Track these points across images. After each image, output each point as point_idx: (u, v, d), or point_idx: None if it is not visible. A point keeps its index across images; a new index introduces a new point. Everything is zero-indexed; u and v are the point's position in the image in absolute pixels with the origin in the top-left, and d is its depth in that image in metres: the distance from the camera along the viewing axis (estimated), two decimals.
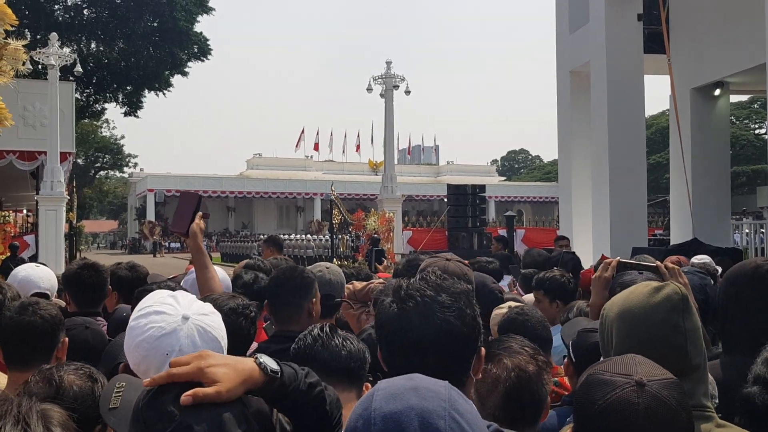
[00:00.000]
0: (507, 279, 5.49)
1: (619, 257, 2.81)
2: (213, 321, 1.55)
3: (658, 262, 2.68)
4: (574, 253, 5.82)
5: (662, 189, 29.41)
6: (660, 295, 1.72)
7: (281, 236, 15.97)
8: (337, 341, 1.91)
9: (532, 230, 25.20)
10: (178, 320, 1.49)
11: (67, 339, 2.39)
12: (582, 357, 2.24)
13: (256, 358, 1.36)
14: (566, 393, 2.67)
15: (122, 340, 2.03)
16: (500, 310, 3.04)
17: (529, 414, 1.95)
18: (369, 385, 1.96)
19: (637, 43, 11.14)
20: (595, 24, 11.58)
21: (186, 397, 1.21)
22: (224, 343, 1.57)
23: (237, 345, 1.96)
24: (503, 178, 73.54)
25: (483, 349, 1.48)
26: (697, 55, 12.19)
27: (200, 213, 2.59)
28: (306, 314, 2.66)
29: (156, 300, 1.55)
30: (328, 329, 1.96)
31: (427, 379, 1.07)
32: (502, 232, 20.22)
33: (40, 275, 3.20)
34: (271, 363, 1.35)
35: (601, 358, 1.75)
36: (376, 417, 0.97)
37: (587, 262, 8.13)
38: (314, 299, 2.72)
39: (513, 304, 3.14)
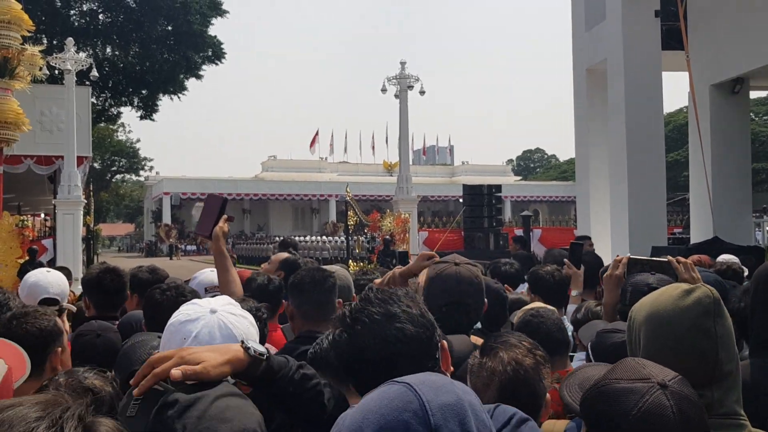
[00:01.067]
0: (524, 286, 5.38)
1: (629, 254, 2.75)
2: (238, 321, 1.59)
3: (670, 257, 2.63)
4: (593, 252, 5.73)
5: (681, 187, 29.14)
6: (690, 299, 1.65)
7: (296, 238, 15.93)
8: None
9: (548, 230, 25.03)
10: (205, 312, 1.57)
11: (60, 349, 2.29)
12: (602, 358, 2.21)
13: (243, 342, 1.41)
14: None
15: (136, 347, 2.00)
16: (519, 313, 2.99)
17: (527, 410, 1.89)
18: None
19: (654, 40, 11.01)
20: (612, 21, 11.47)
21: (176, 371, 1.26)
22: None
23: None
24: (519, 178, 73.23)
25: (444, 342, 1.44)
26: (716, 51, 12.03)
27: (225, 216, 2.58)
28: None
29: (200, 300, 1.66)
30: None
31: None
32: (519, 232, 20.13)
33: (49, 280, 3.18)
34: (257, 346, 1.42)
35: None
36: (433, 407, 0.92)
37: (606, 263, 8.02)
38: (339, 300, 2.77)
39: (539, 304, 3.07)
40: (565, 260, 4.01)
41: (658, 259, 2.68)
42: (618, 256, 2.88)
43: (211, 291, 3.16)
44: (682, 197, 19.21)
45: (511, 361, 1.90)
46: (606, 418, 1.30)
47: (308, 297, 2.66)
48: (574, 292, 3.85)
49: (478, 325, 2.99)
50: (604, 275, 2.77)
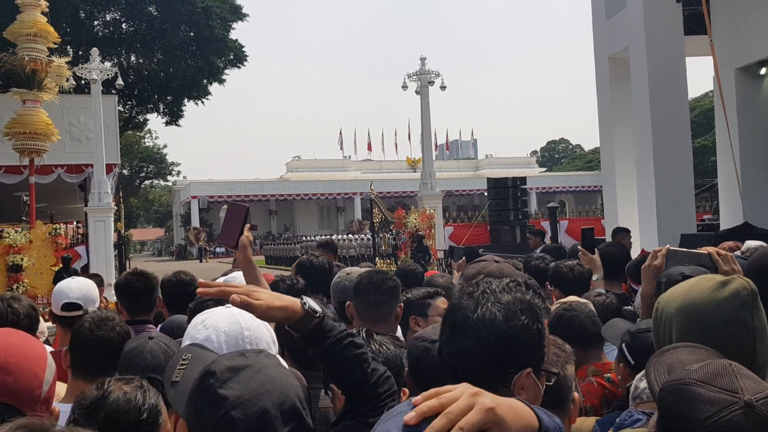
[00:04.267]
0: None
1: (668, 245, 2.73)
2: (245, 313, 1.65)
3: (710, 249, 2.60)
4: (620, 244, 5.69)
5: (708, 172, 28.66)
6: (727, 291, 1.64)
7: (321, 238, 15.99)
8: (373, 347, 1.93)
9: (575, 221, 24.78)
10: (221, 306, 1.70)
11: None
12: (642, 358, 2.18)
13: (302, 297, 1.53)
14: (617, 394, 2.61)
15: (138, 351, 2.04)
16: (553, 307, 3.00)
17: (552, 407, 1.89)
18: (406, 390, 1.95)
19: (676, 26, 10.86)
20: (633, 8, 11.34)
21: (236, 297, 1.42)
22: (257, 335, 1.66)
23: None
24: (544, 169, 72.59)
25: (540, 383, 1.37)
26: (740, 34, 11.83)
27: (248, 225, 2.59)
28: (395, 317, 2.77)
29: None
30: (364, 334, 1.98)
31: None
32: (545, 224, 20.00)
33: (71, 286, 3.25)
34: (313, 304, 1.53)
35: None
36: None
37: (635, 252, 7.97)
38: (400, 304, 2.83)
39: (573, 299, 3.07)
40: (579, 247, 4.00)
41: (697, 251, 2.64)
42: (645, 251, 2.85)
43: None
44: (712, 184, 18.92)
45: None
46: (677, 418, 1.23)
47: (365, 297, 2.76)
48: (594, 277, 3.84)
49: None
50: (642, 266, 2.73)
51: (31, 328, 2.83)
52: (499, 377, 1.32)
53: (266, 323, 1.71)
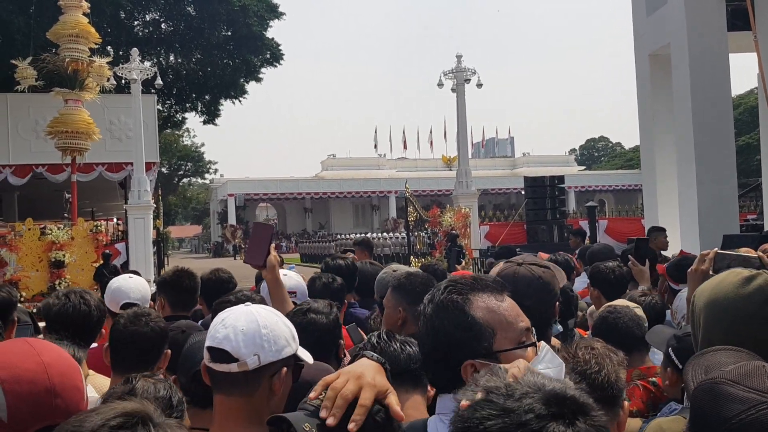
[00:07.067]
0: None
1: (716, 249, 2.66)
2: (266, 312, 1.70)
3: (761, 253, 2.53)
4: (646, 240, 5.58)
5: (753, 171, 27.97)
6: (752, 286, 1.62)
7: (368, 236, 16.00)
8: (395, 346, 1.96)
9: (615, 220, 24.34)
10: (242, 306, 1.72)
11: (170, 351, 2.51)
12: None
13: (372, 356, 1.45)
14: (663, 398, 2.56)
15: (199, 345, 2.07)
16: (599, 310, 2.96)
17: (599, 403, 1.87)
18: (432, 389, 1.95)
19: (719, 22, 10.61)
20: (674, 4, 11.11)
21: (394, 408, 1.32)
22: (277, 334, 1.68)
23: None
24: (582, 168, 71.68)
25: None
26: None
27: (273, 244, 2.60)
28: None
29: None
30: (385, 336, 2.01)
31: None
32: (583, 223, 19.73)
33: (130, 286, 3.34)
34: (377, 356, 1.46)
35: (696, 350, 1.68)
36: None
37: (671, 252, 7.79)
38: None
39: (620, 302, 3.04)
40: (630, 256, 3.95)
41: (746, 254, 2.57)
42: (684, 252, 2.80)
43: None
44: (756, 184, 18.44)
45: (588, 358, 1.89)
46: (708, 415, 1.26)
47: (418, 298, 2.70)
48: (641, 288, 3.81)
49: (559, 327, 2.97)
50: (689, 270, 2.69)
51: (101, 320, 3.00)
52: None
53: (286, 320, 1.74)
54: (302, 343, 1.75)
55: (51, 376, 1.30)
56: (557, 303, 2.23)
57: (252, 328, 1.61)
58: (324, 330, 2.41)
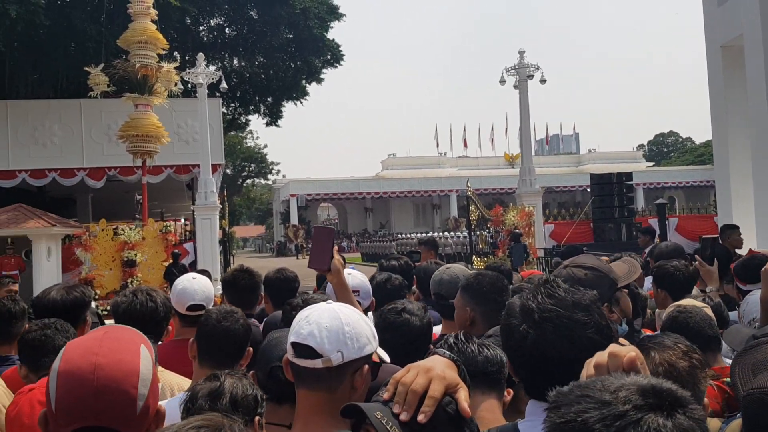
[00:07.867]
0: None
1: None
2: (348, 310, 1.72)
3: None
4: (721, 244, 5.35)
5: None
6: None
7: (433, 236, 15.93)
8: (472, 347, 1.96)
9: (686, 218, 23.44)
10: (323, 304, 1.76)
11: (251, 349, 2.57)
12: None
13: (444, 353, 1.44)
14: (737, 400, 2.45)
15: (276, 342, 2.10)
16: (667, 310, 2.87)
17: None
18: (510, 390, 1.96)
19: None
20: None
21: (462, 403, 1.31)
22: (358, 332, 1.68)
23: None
24: (651, 164, 69.69)
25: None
26: None
27: (336, 246, 2.58)
28: None
29: None
30: (463, 336, 2.01)
31: None
32: (653, 221, 19.13)
33: (195, 288, 3.34)
34: (448, 353, 1.46)
35: None
36: None
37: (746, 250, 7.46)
38: None
39: (690, 302, 2.93)
40: (697, 256, 3.81)
41: None
42: (753, 251, 2.68)
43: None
44: None
45: (664, 362, 1.83)
46: (758, 427, 1.27)
47: (488, 297, 2.72)
48: (708, 289, 3.67)
49: (625, 327, 2.89)
50: (762, 270, 2.57)
51: (167, 316, 3.10)
52: None
53: (366, 318, 1.76)
54: (394, 342, 1.77)
55: (97, 378, 1.28)
56: (605, 305, 2.17)
57: (335, 325, 1.65)
58: (418, 332, 2.42)
